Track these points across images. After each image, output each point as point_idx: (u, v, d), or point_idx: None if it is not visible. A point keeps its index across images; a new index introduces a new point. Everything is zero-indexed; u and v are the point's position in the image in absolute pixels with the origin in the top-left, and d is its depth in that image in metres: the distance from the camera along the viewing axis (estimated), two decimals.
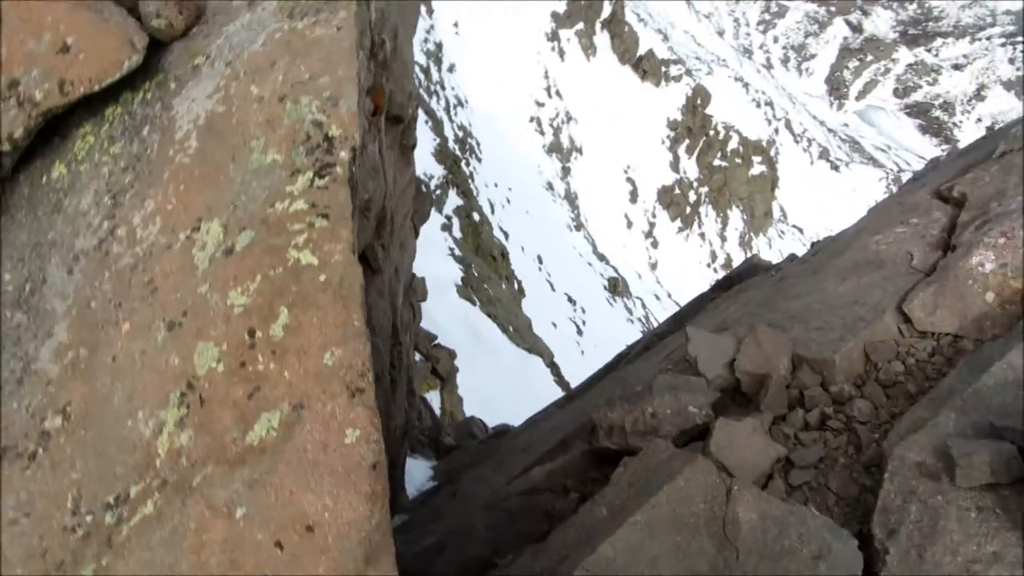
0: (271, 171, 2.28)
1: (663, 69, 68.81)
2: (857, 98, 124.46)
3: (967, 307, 3.98)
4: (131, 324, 2.16)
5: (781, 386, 3.91)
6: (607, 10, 67.75)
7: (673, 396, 3.94)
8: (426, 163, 32.60)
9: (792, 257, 7.99)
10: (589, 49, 65.95)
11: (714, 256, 61.86)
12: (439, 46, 49.04)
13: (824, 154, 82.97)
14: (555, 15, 64.59)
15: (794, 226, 72.20)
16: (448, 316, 22.35)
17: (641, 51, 68.98)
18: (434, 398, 17.02)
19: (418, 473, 10.55)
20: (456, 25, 54.55)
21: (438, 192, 32.22)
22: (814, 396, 3.85)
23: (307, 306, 1.86)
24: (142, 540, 1.69)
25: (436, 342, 18.48)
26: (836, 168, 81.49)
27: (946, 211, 4.91)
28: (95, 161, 2.74)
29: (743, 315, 5.41)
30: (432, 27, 50.07)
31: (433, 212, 29.75)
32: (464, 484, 6.22)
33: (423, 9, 49.10)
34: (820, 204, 72.74)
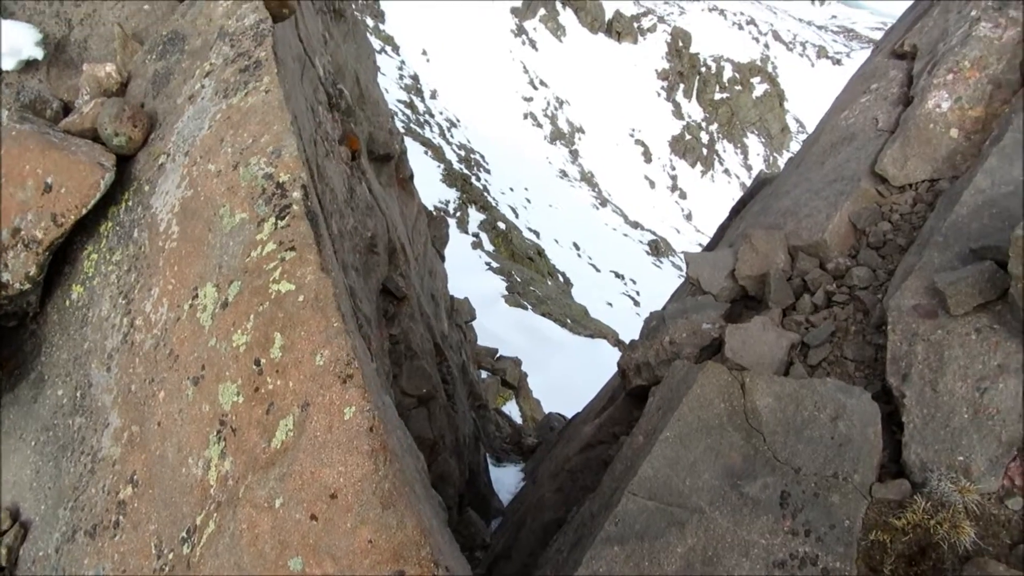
0: (242, 228, 2.60)
1: (636, 25, 68.31)
2: None
3: (935, 150, 4.09)
4: (165, 391, 2.49)
5: (782, 279, 4.07)
6: None
7: (685, 319, 4.14)
8: (438, 190, 33.04)
9: (790, 160, 8.07)
10: (558, 31, 65.93)
11: (745, 188, 60.97)
12: (415, 78, 49.70)
13: (822, 52, 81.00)
14: (515, 10, 64.83)
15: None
16: (504, 327, 22.58)
17: (608, 15, 68.65)
18: (512, 408, 17.25)
19: (509, 479, 10.85)
20: (425, 53, 55.22)
21: (458, 214, 32.62)
22: (815, 278, 4.01)
23: (294, 325, 2.17)
24: (209, 551, 2.00)
25: (499, 355, 18.72)
26: (839, 62, 79.46)
27: (902, 67, 5.00)
28: (103, 273, 3.11)
29: (745, 228, 5.55)
30: (403, 62, 50.80)
31: (460, 233, 30.11)
32: (540, 468, 6.48)
33: (388, 47, 49.89)
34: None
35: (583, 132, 60.47)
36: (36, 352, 3.17)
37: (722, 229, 9.19)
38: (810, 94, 71.57)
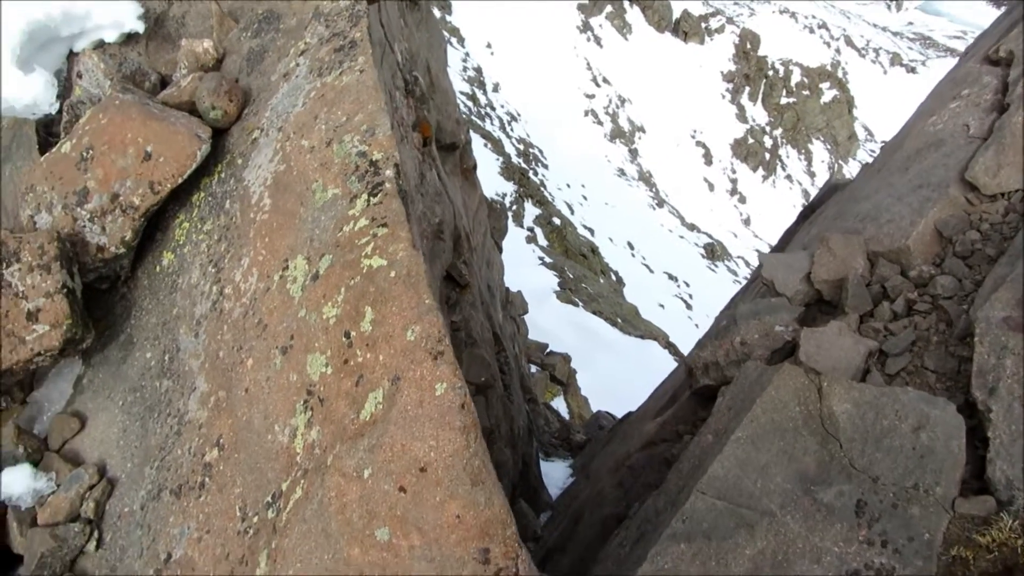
0: (334, 203, 2.65)
1: (703, 25, 67.24)
2: None
3: None
4: (253, 359, 2.56)
5: (860, 284, 3.97)
6: None
7: (758, 320, 4.07)
8: (495, 183, 33.14)
9: (866, 165, 7.85)
10: (624, 29, 65.34)
11: (807, 195, 59.53)
12: (479, 70, 49.86)
13: (896, 59, 78.46)
14: (582, 7, 64.45)
15: (883, 142, 68.62)
16: (554, 323, 22.51)
17: (676, 14, 67.75)
18: (559, 404, 17.23)
19: (558, 473, 10.84)
20: (489, 46, 55.32)
21: (514, 208, 32.68)
22: (896, 285, 3.89)
23: (385, 300, 2.20)
24: (297, 516, 2.05)
25: (549, 350, 18.71)
26: (913, 70, 76.87)
27: (996, 74, 4.81)
28: (194, 241, 3.21)
29: (820, 231, 5.42)
30: (467, 54, 51.01)
31: (515, 227, 30.15)
32: (595, 464, 6.46)
33: (454, 39, 50.18)
34: (906, 111, 68.95)
35: (644, 131, 59.84)
36: (126, 315, 3.29)
37: (789, 234, 8.99)
38: (881, 101, 69.49)
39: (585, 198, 44.30)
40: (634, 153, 57.16)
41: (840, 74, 66.82)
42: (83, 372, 3.23)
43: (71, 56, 4.05)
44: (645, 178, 54.15)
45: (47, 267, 2.93)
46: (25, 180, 3.28)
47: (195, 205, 3.30)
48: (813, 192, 59.86)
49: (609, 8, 65.66)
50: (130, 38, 4.12)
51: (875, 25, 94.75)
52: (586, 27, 63.93)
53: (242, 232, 2.96)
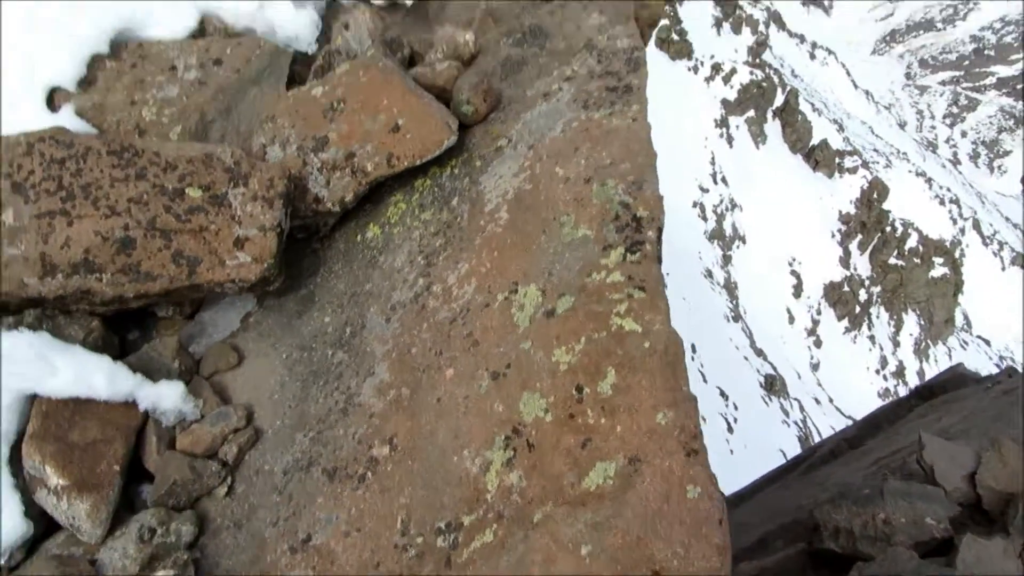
0: (583, 244, 2.52)
1: (837, 160, 66.42)
2: None
3: None
4: (454, 371, 2.43)
5: None
6: (779, 99, 66.90)
7: (908, 504, 3.77)
8: None
9: (1011, 371, 7.42)
10: (759, 137, 65.08)
11: (884, 362, 57.55)
12: None
13: (1018, 260, 75.92)
14: (725, 102, 64.57)
15: (979, 337, 65.89)
16: None
17: (814, 141, 67.17)
18: None
19: None
20: None
21: None
22: None
23: (634, 369, 2.04)
24: (486, 562, 1.88)
25: None
26: None
27: None
28: (407, 225, 3.14)
29: (969, 427, 5.08)
30: None
31: None
32: None
33: None
34: (1012, 315, 66.24)
35: (744, 242, 59.04)
36: (312, 272, 3.23)
37: (898, 406, 8.56)
38: (990, 296, 67.20)
39: (666, 285, 43.71)
40: (727, 259, 56.38)
41: (957, 254, 64.98)
42: (253, 310, 3.17)
43: (333, 4, 4.10)
44: (730, 288, 53.25)
45: (270, 201, 2.89)
46: (268, 109, 3.28)
47: (417, 190, 3.24)
48: (892, 360, 57.93)
49: (751, 113, 65.59)
50: (393, 7, 4.16)
51: (1008, 219, 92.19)
52: (723, 122, 63.91)
53: (466, 236, 2.87)
